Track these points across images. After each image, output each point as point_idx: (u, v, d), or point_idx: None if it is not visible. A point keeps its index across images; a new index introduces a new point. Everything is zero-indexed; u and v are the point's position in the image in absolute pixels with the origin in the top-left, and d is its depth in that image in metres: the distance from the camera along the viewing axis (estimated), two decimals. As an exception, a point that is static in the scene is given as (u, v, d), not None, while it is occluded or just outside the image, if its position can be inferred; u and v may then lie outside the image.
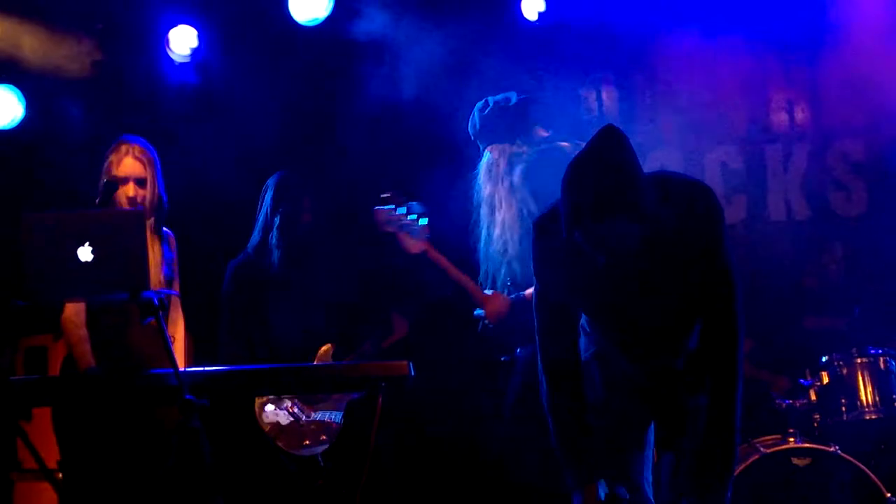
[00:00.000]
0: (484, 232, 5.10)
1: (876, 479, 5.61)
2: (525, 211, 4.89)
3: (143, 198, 4.94)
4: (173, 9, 6.91)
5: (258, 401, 5.79)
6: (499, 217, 5.00)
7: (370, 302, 6.38)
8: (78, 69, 6.62)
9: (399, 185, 5.38)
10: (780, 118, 7.42)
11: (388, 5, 6.59)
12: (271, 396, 5.77)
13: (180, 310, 5.34)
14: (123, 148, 4.99)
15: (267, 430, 5.78)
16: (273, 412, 5.81)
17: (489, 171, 5.04)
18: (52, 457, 4.91)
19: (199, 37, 6.89)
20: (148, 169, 4.98)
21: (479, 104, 5.15)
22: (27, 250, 3.85)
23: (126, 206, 4.85)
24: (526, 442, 4.81)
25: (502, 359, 5.24)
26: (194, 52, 6.92)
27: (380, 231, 5.23)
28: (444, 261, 5.13)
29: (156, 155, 5.09)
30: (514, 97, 5.10)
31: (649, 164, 7.35)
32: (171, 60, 6.94)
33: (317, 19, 6.89)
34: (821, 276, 6.91)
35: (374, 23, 6.61)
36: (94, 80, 6.81)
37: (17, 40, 6.45)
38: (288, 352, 5.72)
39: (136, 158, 4.96)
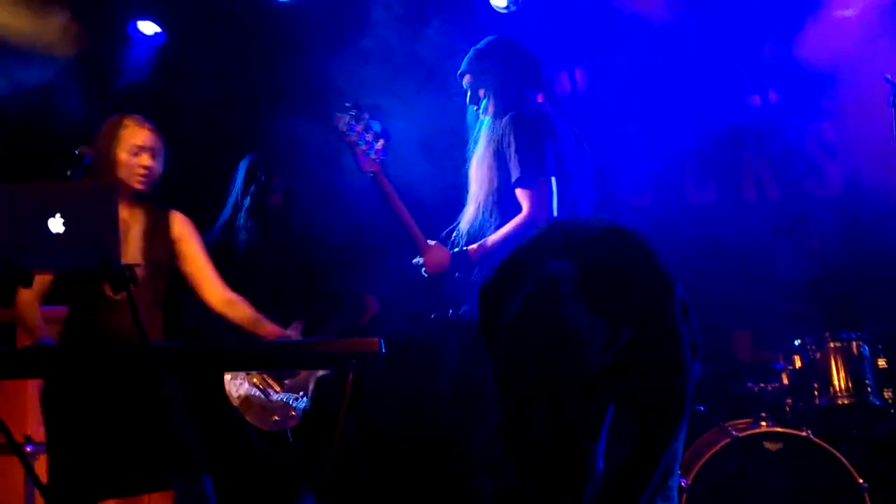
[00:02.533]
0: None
1: (848, 465, 5.59)
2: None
3: (153, 169, 4.90)
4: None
5: (227, 376, 5.77)
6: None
7: (339, 281, 6.36)
8: (60, 48, 6.53)
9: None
10: (752, 100, 7.41)
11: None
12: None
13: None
14: (135, 120, 4.91)
15: (236, 404, 5.76)
16: (241, 387, 5.78)
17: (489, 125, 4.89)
18: (18, 430, 4.84)
19: (163, 22, 6.95)
20: (159, 143, 4.93)
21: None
22: (-4, 221, 3.79)
23: (141, 176, 4.83)
24: (467, 422, 4.68)
25: (432, 315, 4.93)
26: (160, 34, 6.96)
27: (339, 140, 4.98)
28: (391, 192, 4.84)
29: None
30: None
31: (620, 147, 7.41)
32: (138, 38, 6.99)
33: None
34: (795, 259, 6.89)
35: (339, 7, 6.56)
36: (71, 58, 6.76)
37: None
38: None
39: (152, 131, 4.91)
